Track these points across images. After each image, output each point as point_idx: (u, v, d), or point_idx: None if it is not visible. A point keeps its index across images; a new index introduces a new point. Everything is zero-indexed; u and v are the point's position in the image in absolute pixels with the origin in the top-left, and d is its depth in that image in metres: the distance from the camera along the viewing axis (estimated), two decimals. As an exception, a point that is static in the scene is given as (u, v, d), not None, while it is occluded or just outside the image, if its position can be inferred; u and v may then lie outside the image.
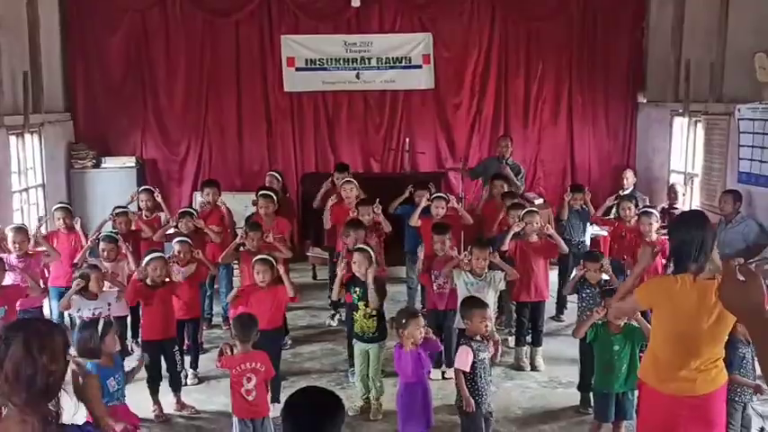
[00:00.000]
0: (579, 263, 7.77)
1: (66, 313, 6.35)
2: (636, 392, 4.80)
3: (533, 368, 6.67)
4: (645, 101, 10.97)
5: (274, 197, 7.53)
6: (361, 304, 5.69)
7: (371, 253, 5.77)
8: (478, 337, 4.85)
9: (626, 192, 9.45)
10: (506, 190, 8.26)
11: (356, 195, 7.60)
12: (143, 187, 8.41)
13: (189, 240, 6.59)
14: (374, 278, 5.66)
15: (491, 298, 5.90)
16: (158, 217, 7.94)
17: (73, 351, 4.66)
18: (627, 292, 4.18)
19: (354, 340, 5.87)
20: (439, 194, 7.51)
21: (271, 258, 5.79)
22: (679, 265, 3.66)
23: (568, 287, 6.24)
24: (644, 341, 4.88)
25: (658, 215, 7.10)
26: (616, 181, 10.15)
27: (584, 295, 5.96)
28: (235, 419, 4.91)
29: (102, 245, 6.71)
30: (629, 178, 9.70)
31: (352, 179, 7.89)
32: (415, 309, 5.45)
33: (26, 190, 9.14)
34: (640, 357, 4.83)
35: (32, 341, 2.25)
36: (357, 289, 5.73)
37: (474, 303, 5.02)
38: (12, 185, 8.67)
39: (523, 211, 6.93)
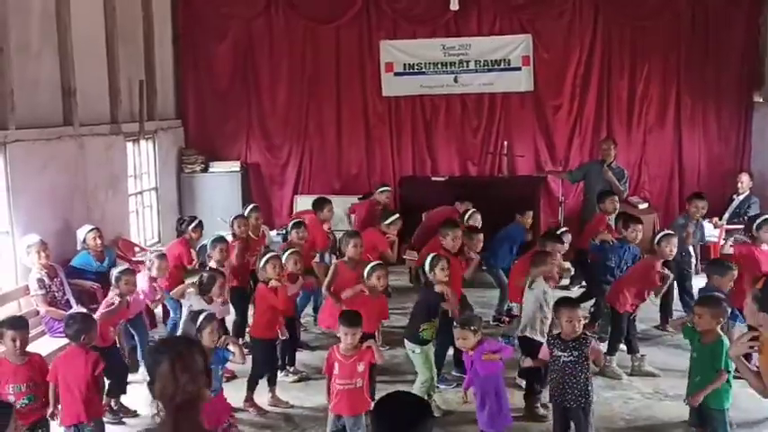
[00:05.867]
0: (682, 272, 7.52)
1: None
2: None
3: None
4: (761, 100, 10.34)
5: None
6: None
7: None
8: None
9: (742, 196, 8.99)
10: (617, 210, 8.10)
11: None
12: (253, 205, 8.44)
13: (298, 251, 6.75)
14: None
15: None
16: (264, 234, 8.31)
17: None
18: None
19: (420, 347, 5.72)
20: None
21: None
22: None
23: (676, 324, 5.63)
24: (722, 365, 4.63)
25: None
26: (728, 185, 9.64)
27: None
28: (331, 416, 5.03)
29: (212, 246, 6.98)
30: (745, 182, 9.20)
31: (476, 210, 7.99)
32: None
33: (140, 193, 9.69)
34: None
35: (177, 362, 2.52)
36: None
37: (571, 302, 5.11)
38: (128, 189, 9.22)
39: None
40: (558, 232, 7.30)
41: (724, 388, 4.75)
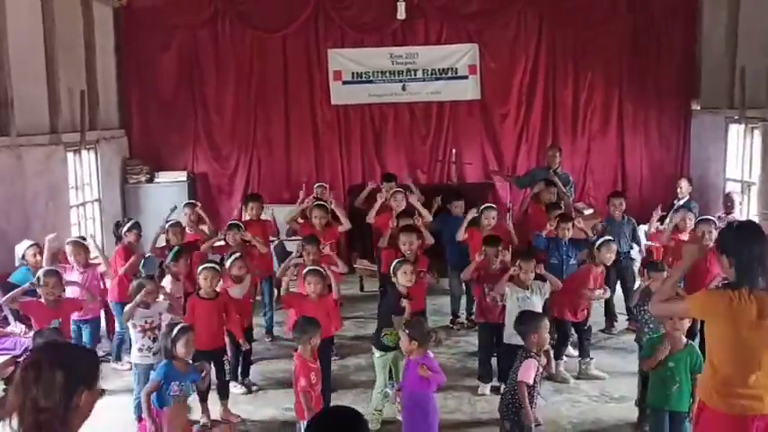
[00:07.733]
0: (623, 275, 7.69)
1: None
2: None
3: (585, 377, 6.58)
4: (698, 108, 10.69)
5: (327, 207, 7.62)
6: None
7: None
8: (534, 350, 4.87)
9: (681, 201, 9.24)
10: (555, 200, 8.19)
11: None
12: (186, 201, 8.60)
13: (241, 255, 6.66)
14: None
15: (539, 308, 5.82)
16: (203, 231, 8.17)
17: None
18: (669, 292, 3.84)
19: (381, 352, 5.66)
20: (489, 205, 7.56)
21: (322, 270, 5.82)
22: (744, 282, 3.48)
23: (634, 298, 5.99)
24: (700, 364, 4.73)
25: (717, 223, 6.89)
26: (669, 190, 9.90)
27: (646, 308, 5.74)
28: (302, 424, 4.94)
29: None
30: (684, 187, 9.44)
31: (400, 189, 7.96)
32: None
33: (83, 205, 9.43)
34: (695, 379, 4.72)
35: (29, 370, 2.07)
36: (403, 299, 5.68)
37: (538, 316, 5.04)
38: (69, 200, 8.96)
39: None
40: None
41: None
